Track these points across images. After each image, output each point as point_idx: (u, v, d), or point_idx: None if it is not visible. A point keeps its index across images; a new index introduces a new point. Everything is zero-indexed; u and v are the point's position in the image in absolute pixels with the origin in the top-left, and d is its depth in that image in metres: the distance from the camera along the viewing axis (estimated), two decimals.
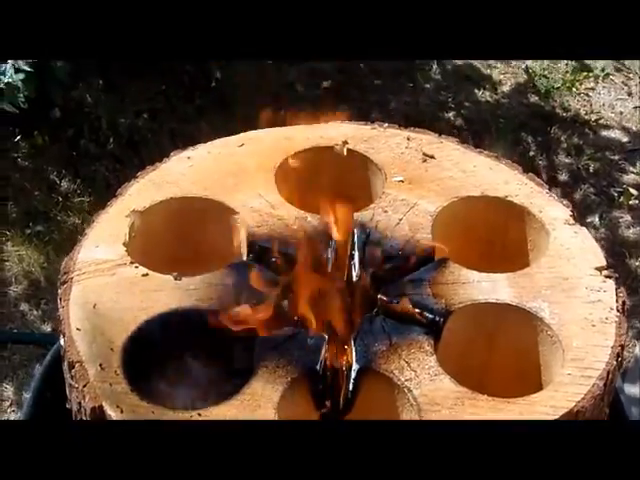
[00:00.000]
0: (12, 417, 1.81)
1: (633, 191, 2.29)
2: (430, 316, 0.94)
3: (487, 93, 2.53)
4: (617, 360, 0.91)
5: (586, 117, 2.50)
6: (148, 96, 2.40)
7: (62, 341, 0.91)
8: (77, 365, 0.88)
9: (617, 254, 2.14)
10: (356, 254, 1.00)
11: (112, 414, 0.84)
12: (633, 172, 2.36)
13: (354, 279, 0.98)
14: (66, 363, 0.90)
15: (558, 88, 2.56)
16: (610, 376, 0.89)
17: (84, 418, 0.87)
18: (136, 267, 0.97)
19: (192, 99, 2.43)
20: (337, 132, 1.13)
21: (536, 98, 2.54)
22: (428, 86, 2.52)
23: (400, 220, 1.03)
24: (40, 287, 2.02)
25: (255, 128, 1.14)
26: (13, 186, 2.21)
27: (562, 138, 2.44)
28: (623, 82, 2.61)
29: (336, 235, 1.00)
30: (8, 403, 1.83)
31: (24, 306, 1.99)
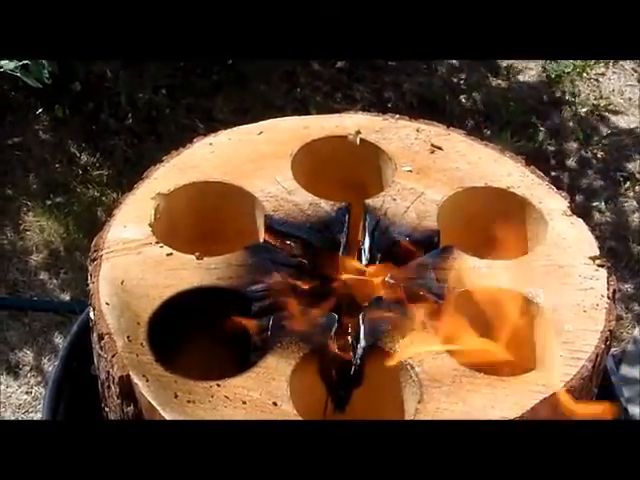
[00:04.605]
0: (32, 381, 1.87)
1: (639, 177, 2.33)
2: (433, 299, 0.99)
3: (499, 77, 2.57)
4: (605, 344, 0.96)
5: (595, 102, 2.52)
6: (166, 72, 2.44)
7: (92, 314, 0.97)
8: (106, 337, 0.94)
9: (621, 238, 2.19)
10: (366, 239, 1.05)
11: (138, 383, 0.90)
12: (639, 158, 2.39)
13: (364, 262, 1.04)
14: (95, 335, 0.96)
15: (568, 73, 2.58)
16: (598, 359, 0.95)
17: (112, 386, 0.94)
18: (161, 247, 1.03)
19: (209, 75, 2.46)
20: (351, 122, 1.18)
21: (547, 82, 2.57)
22: (442, 68, 2.56)
23: (408, 208, 1.09)
24: (60, 257, 2.07)
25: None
26: (34, 158, 2.26)
27: (571, 123, 2.47)
28: (633, 68, 2.63)
29: (348, 221, 1.06)
30: (28, 368, 1.89)
31: (44, 275, 2.04)
